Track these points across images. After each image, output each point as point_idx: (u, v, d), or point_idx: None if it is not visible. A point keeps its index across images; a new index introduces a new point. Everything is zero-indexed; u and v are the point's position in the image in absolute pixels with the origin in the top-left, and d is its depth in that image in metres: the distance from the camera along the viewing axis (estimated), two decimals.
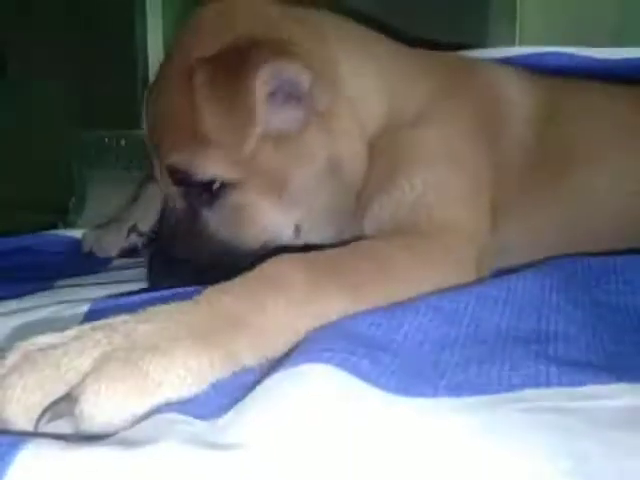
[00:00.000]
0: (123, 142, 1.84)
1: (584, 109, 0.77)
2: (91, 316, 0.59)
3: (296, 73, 0.63)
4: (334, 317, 0.48)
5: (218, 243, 0.67)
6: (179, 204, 0.69)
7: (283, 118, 0.65)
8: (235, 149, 0.63)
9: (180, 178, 0.67)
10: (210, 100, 0.61)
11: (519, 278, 0.55)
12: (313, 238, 0.70)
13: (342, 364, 0.41)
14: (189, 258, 0.67)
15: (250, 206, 0.67)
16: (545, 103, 0.77)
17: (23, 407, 0.37)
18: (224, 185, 0.66)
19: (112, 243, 0.95)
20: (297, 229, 0.69)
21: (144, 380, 0.38)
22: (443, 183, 0.67)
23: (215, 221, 0.68)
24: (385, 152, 0.71)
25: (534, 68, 0.86)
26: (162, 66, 0.73)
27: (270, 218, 0.68)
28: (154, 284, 0.68)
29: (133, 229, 0.96)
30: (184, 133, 0.64)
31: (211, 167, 0.65)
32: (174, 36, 0.78)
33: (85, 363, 0.39)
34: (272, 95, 0.63)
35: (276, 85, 0.63)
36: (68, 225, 1.78)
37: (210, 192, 0.66)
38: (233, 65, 0.61)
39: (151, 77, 2.07)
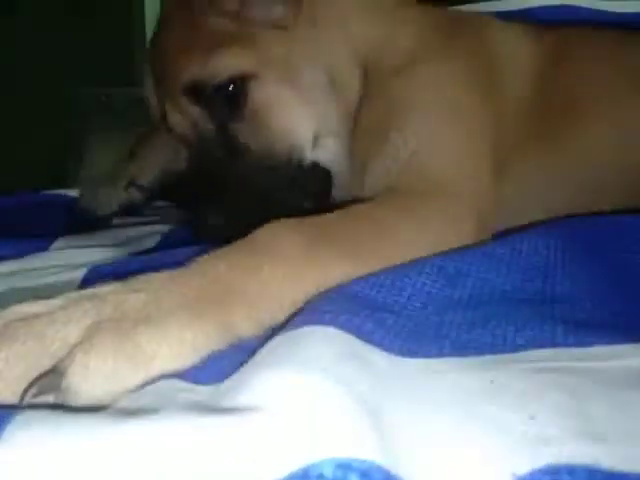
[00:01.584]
0: (120, 100, 1.81)
1: (592, 57, 0.75)
2: (87, 282, 0.58)
3: None
4: (334, 283, 0.46)
5: (253, 159, 0.67)
6: (204, 131, 0.69)
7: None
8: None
9: (200, 94, 0.66)
10: None
11: (524, 238, 0.54)
12: (328, 156, 0.70)
13: (345, 325, 0.40)
14: (233, 188, 0.65)
15: (271, 99, 0.67)
16: (550, 54, 0.74)
17: (5, 381, 0.34)
18: (243, 86, 0.66)
19: (111, 198, 0.93)
20: (315, 138, 0.69)
21: (136, 352, 0.36)
22: (438, 136, 0.65)
23: (244, 132, 0.67)
24: (376, 97, 0.70)
25: (544, 22, 0.83)
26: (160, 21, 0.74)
27: (291, 111, 0.68)
28: (209, 233, 0.65)
29: (132, 183, 0.93)
30: (193, 50, 0.66)
31: (227, 64, 0.66)
32: None
33: (72, 334, 0.36)
34: None
35: None
36: (70, 185, 1.78)
37: (232, 100, 0.66)
38: None
39: (148, 36, 2.06)
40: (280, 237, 0.47)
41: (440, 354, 0.39)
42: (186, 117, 0.70)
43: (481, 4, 0.88)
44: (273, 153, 0.67)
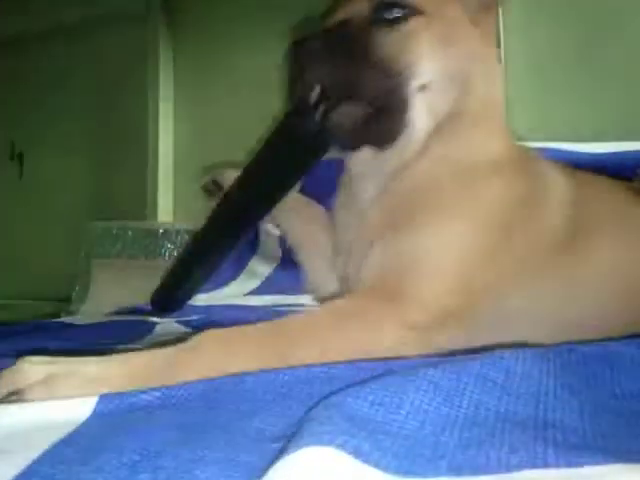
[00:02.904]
0: (130, 233, 1.89)
1: (603, 199, 0.85)
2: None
3: None
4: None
5: (381, 64, 0.76)
6: (362, 14, 0.78)
7: None
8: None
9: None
10: None
11: (519, 361, 0.56)
12: (419, 108, 0.79)
13: (343, 446, 0.41)
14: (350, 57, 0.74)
15: (420, 35, 0.77)
16: (572, 189, 0.82)
17: None
18: (412, 12, 0.77)
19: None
20: (422, 88, 0.78)
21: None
22: (439, 247, 0.71)
23: (386, 36, 0.77)
24: (441, 165, 0.77)
25: None
26: None
27: (424, 54, 0.78)
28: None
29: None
30: None
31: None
32: None
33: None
34: None
35: None
36: (70, 314, 1.81)
37: (397, 15, 0.77)
38: None
39: (161, 175, 2.20)
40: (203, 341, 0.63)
41: (436, 474, 0.40)
42: (350, 10, 0.79)
43: None
44: (391, 71, 0.76)
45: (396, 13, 0.77)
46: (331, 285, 0.89)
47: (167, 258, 1.77)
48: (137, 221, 2.02)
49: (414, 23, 0.77)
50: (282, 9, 1.84)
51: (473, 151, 0.78)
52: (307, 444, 0.42)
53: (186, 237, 1.78)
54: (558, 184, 0.81)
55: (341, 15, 0.80)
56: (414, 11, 0.77)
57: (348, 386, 0.52)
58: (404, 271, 0.69)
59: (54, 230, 2.49)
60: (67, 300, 1.98)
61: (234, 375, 0.61)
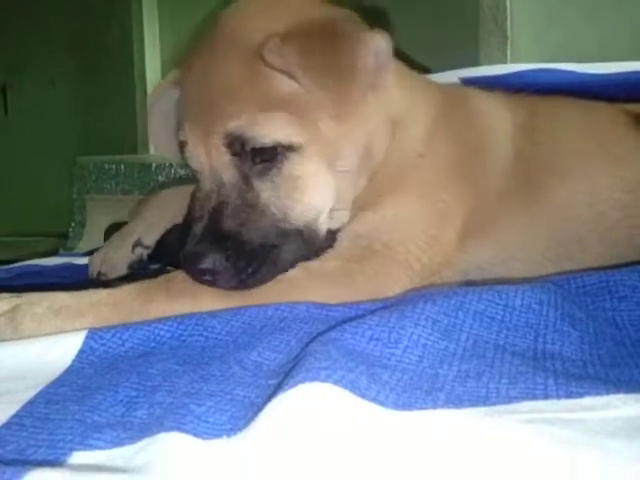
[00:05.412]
0: (122, 167, 1.86)
1: (561, 126, 0.81)
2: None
3: (385, 42, 0.68)
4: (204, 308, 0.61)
5: (271, 216, 0.68)
6: (228, 178, 0.69)
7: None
8: (333, 105, 0.66)
9: (237, 146, 0.67)
10: (306, 67, 0.64)
11: (517, 295, 0.56)
12: (337, 224, 0.73)
13: (340, 381, 0.41)
14: (236, 234, 0.66)
15: (305, 174, 0.69)
16: (526, 123, 0.80)
17: None
18: (283, 152, 0.67)
19: (119, 259, 0.96)
20: (331, 212, 0.72)
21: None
22: (405, 219, 0.71)
23: (268, 192, 0.68)
24: (383, 170, 0.74)
25: (528, 85, 0.88)
26: (200, 48, 0.73)
27: (320, 190, 0.70)
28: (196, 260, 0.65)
29: (138, 243, 0.96)
30: (245, 102, 0.66)
31: (277, 129, 0.66)
32: (205, 25, 0.79)
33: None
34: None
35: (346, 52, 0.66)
36: (68, 250, 1.80)
37: (267, 160, 0.67)
38: (327, 37, 0.66)
39: (149, 107, 2.13)
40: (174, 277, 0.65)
41: (435, 406, 0.40)
42: (210, 156, 0.69)
43: (467, 69, 0.93)
44: (290, 219, 0.69)
45: (267, 158, 0.67)
46: None
47: None
48: (129, 155, 1.97)
49: (289, 164, 0.68)
50: None
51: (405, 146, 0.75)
52: (304, 380, 0.41)
53: (180, 170, 1.75)
54: (501, 123, 0.79)
55: (201, 161, 0.70)
56: (284, 150, 0.67)
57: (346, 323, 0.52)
58: (378, 239, 0.69)
59: (46, 165, 2.44)
60: (64, 236, 1.97)
61: (232, 308, 0.60)
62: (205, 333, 0.56)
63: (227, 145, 0.67)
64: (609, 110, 0.85)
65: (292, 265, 0.67)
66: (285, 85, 0.66)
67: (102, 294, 0.63)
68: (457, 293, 0.54)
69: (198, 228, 0.67)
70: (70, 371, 0.50)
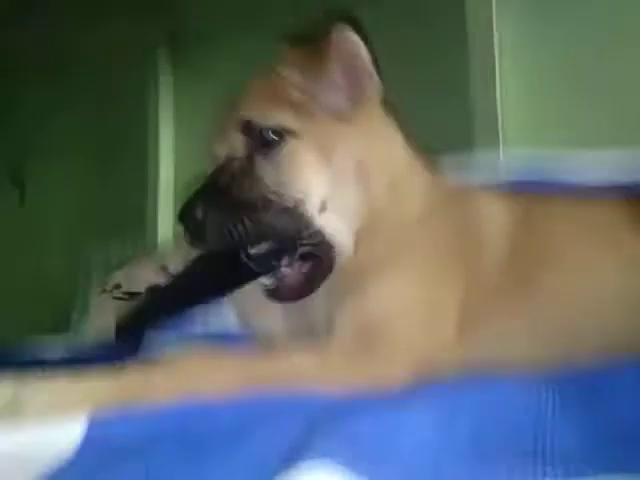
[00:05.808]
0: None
1: (558, 221, 0.84)
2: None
3: (360, 46, 0.80)
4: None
5: (264, 187, 0.78)
6: (236, 154, 0.80)
7: (342, 94, 0.81)
8: (333, 105, 0.80)
9: (250, 128, 0.79)
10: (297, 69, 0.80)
11: (516, 392, 0.56)
12: (331, 226, 0.80)
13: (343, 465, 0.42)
14: (227, 192, 0.76)
15: (299, 156, 0.79)
16: (523, 218, 0.83)
17: None
18: (284, 136, 0.79)
19: (142, 276, 0.97)
20: (323, 205, 0.79)
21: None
22: (401, 299, 0.74)
23: (267, 166, 0.79)
24: (378, 235, 0.79)
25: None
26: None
27: (310, 173, 0.79)
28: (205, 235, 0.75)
29: (163, 267, 0.98)
30: (262, 101, 0.81)
31: (281, 118, 0.79)
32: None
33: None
34: (338, 70, 0.80)
35: (344, 57, 0.80)
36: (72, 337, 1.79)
37: (270, 141, 0.79)
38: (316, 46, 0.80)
39: (160, 197, 2.20)
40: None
41: None
42: (227, 145, 0.82)
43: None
44: (282, 197, 0.78)
45: (270, 139, 0.79)
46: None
47: None
48: (135, 242, 2.00)
49: (288, 147, 0.79)
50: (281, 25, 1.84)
51: (401, 219, 0.81)
52: (307, 462, 0.42)
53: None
54: (495, 220, 0.83)
55: (220, 150, 0.83)
56: (286, 134, 0.79)
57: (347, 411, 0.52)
58: (374, 325, 0.71)
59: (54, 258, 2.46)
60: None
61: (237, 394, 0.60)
62: (210, 420, 0.55)
63: (241, 128, 0.80)
64: (609, 205, 0.86)
65: (275, 234, 0.77)
66: (298, 96, 0.80)
67: (104, 379, 0.62)
68: (457, 387, 0.55)
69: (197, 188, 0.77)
70: (71, 463, 0.50)
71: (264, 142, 0.79)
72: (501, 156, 1.36)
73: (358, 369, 0.68)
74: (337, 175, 0.80)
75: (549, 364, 0.68)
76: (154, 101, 2.25)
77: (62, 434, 0.54)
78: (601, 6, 1.35)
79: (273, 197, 0.77)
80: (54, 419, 0.58)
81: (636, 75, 1.30)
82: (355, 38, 0.79)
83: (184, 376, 0.63)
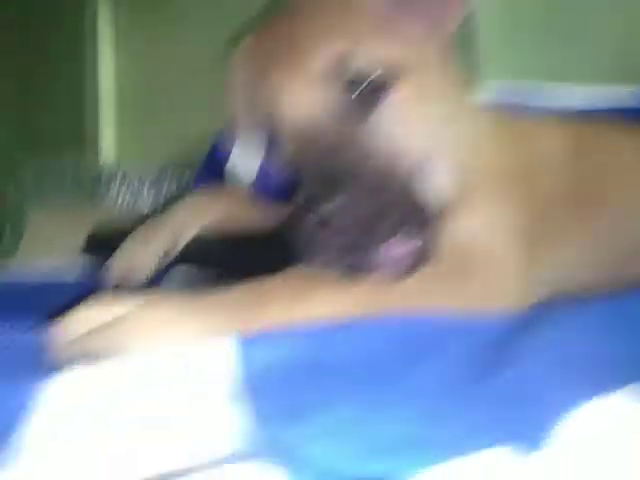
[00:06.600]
0: (68, 176, 1.76)
1: (606, 149, 0.88)
2: None
3: None
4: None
5: (375, 157, 0.59)
6: (330, 111, 0.60)
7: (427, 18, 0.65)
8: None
9: (336, 75, 0.59)
10: None
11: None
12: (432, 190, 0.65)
13: None
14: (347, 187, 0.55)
15: (405, 106, 0.61)
16: (574, 145, 0.85)
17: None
18: (383, 83, 0.60)
19: (144, 263, 0.87)
20: (419, 166, 0.63)
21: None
22: (493, 226, 0.72)
23: (367, 134, 0.60)
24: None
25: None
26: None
27: (415, 128, 0.62)
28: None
29: (165, 249, 0.89)
30: (340, 31, 0.60)
31: (381, 52, 0.60)
32: None
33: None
34: None
35: None
36: (2, 255, 1.67)
37: (372, 92, 0.59)
38: None
39: (101, 116, 2.05)
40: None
41: None
42: (310, 100, 0.60)
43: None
44: (396, 167, 0.60)
45: (379, 84, 0.60)
46: None
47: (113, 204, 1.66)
48: (75, 160, 1.87)
49: (392, 96, 0.61)
50: None
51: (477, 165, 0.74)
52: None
53: (135, 182, 1.67)
54: (553, 149, 0.83)
55: (290, 109, 0.62)
56: (389, 78, 0.60)
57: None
58: (467, 251, 0.68)
59: None
60: None
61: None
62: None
63: (326, 78, 0.60)
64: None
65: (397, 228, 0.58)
66: (378, 10, 0.62)
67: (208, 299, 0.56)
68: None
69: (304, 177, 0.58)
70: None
71: (372, 89, 0.59)
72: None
73: (459, 290, 0.66)
74: (432, 126, 0.64)
75: (614, 287, 0.70)
76: (91, 13, 2.05)
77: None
78: None
79: (386, 169, 0.58)
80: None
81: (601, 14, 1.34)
82: None
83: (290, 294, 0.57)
